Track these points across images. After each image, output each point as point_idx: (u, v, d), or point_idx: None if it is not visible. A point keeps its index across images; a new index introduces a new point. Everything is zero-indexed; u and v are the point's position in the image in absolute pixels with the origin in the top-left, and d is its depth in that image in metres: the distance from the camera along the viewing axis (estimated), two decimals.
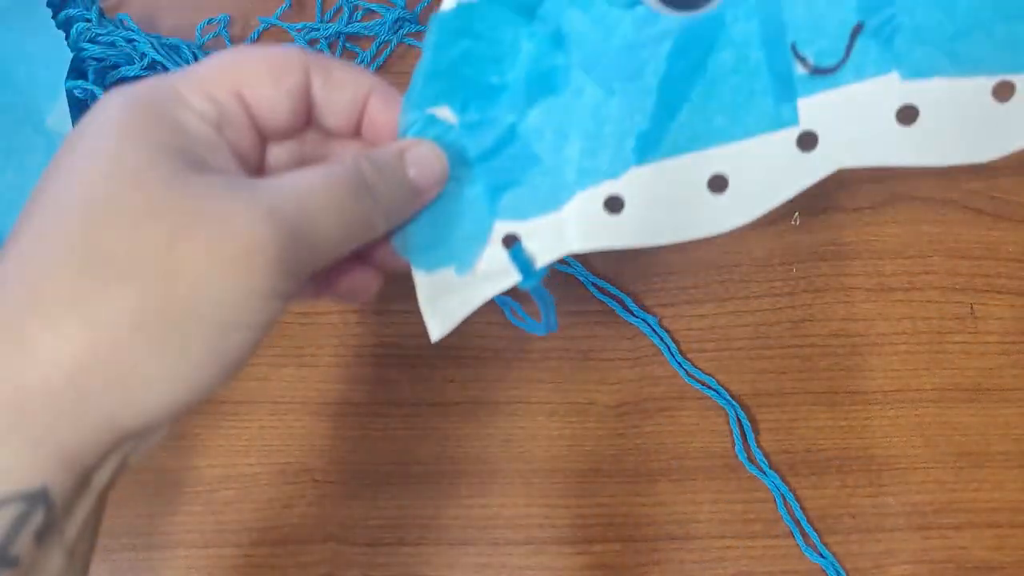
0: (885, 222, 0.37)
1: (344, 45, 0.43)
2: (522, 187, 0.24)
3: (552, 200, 0.24)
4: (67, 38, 0.37)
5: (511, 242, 0.24)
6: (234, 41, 0.43)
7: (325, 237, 0.21)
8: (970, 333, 0.35)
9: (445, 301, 0.25)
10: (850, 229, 0.37)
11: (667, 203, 0.24)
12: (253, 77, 0.22)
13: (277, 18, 0.44)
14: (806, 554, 0.32)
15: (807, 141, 0.23)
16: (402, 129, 0.24)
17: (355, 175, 0.21)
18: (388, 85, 0.24)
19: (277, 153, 0.24)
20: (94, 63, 0.38)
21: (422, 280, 0.25)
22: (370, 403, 0.34)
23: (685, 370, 0.34)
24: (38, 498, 0.17)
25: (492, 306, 0.35)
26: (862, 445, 0.33)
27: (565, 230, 0.24)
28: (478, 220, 0.24)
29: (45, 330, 0.17)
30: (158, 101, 0.20)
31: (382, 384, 0.35)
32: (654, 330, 0.35)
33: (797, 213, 0.37)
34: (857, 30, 0.22)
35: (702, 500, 0.33)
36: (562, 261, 0.33)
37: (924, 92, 0.23)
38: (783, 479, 0.33)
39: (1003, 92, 0.22)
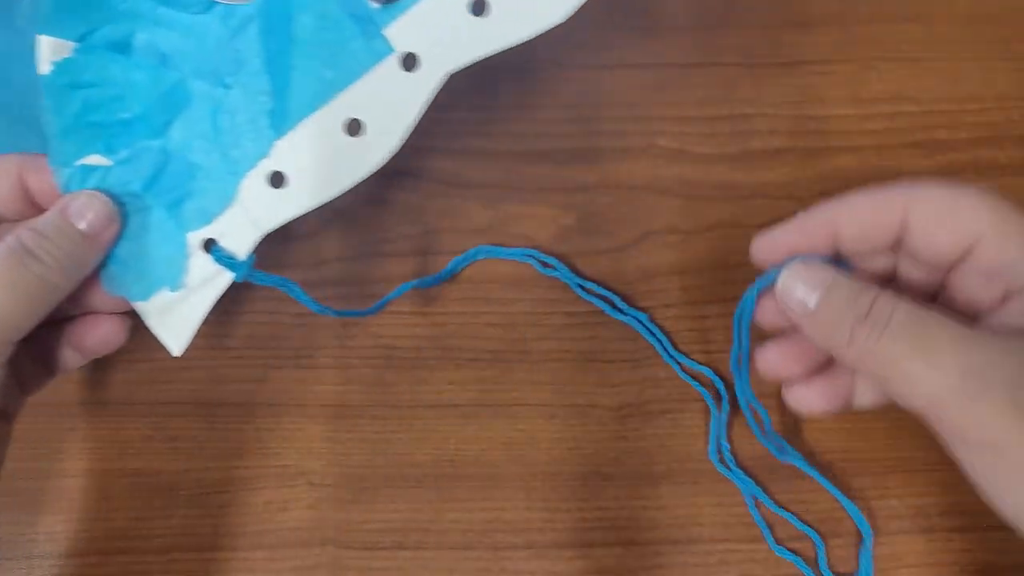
0: None
1: None
2: (194, 196, 0.27)
3: (224, 196, 0.26)
4: None
5: (210, 245, 0.27)
6: None
7: (1, 310, 0.23)
8: None
9: (173, 318, 0.27)
10: None
11: (320, 160, 0.26)
12: None
13: None
14: (777, 553, 0.31)
15: (408, 61, 0.25)
16: (62, 187, 0.26)
17: (14, 248, 0.23)
18: (34, 156, 0.26)
19: None
20: None
21: (143, 308, 0.27)
22: (368, 405, 0.34)
23: (679, 363, 0.34)
24: None
25: (492, 307, 0.35)
26: (866, 447, 0.33)
27: (250, 216, 0.26)
28: (170, 239, 0.27)
29: None
30: None
31: (380, 386, 0.34)
32: (645, 326, 0.34)
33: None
34: None
35: (704, 503, 0.32)
36: (546, 264, 0.35)
37: None
38: (785, 483, 0.32)
39: None
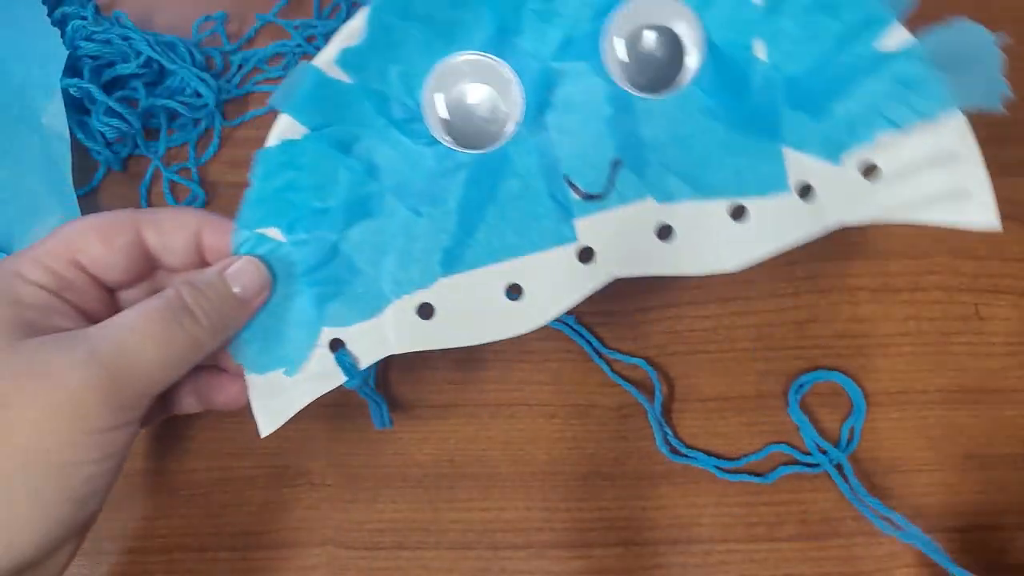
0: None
1: None
2: (345, 297, 0.28)
3: (372, 308, 0.28)
4: (63, 36, 0.37)
5: (337, 346, 0.28)
6: (231, 38, 0.43)
7: (147, 364, 0.23)
8: (975, 334, 0.35)
9: (275, 401, 0.28)
10: (854, 229, 0.37)
11: (471, 309, 0.28)
12: (85, 244, 0.25)
13: (275, 15, 0.43)
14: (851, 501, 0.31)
15: (585, 255, 0.28)
16: (235, 247, 0.27)
17: (173, 302, 0.24)
18: (217, 216, 0.27)
19: (131, 296, 0.27)
20: (90, 61, 0.38)
21: (254, 382, 0.28)
22: (368, 405, 0.34)
23: (609, 363, 0.34)
24: None
25: None
26: (866, 447, 0.33)
27: (385, 334, 0.28)
28: (306, 327, 0.28)
29: None
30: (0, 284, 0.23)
31: (381, 386, 0.34)
32: (572, 328, 0.34)
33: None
34: (616, 164, 0.27)
35: (704, 503, 0.32)
36: None
37: (675, 213, 0.27)
38: (785, 483, 0.32)
39: (737, 213, 0.27)
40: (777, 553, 0.32)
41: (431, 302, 0.28)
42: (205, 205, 0.38)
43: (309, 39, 0.42)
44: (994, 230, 0.28)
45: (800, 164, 0.27)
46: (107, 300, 0.26)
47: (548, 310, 0.28)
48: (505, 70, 0.26)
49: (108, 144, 0.39)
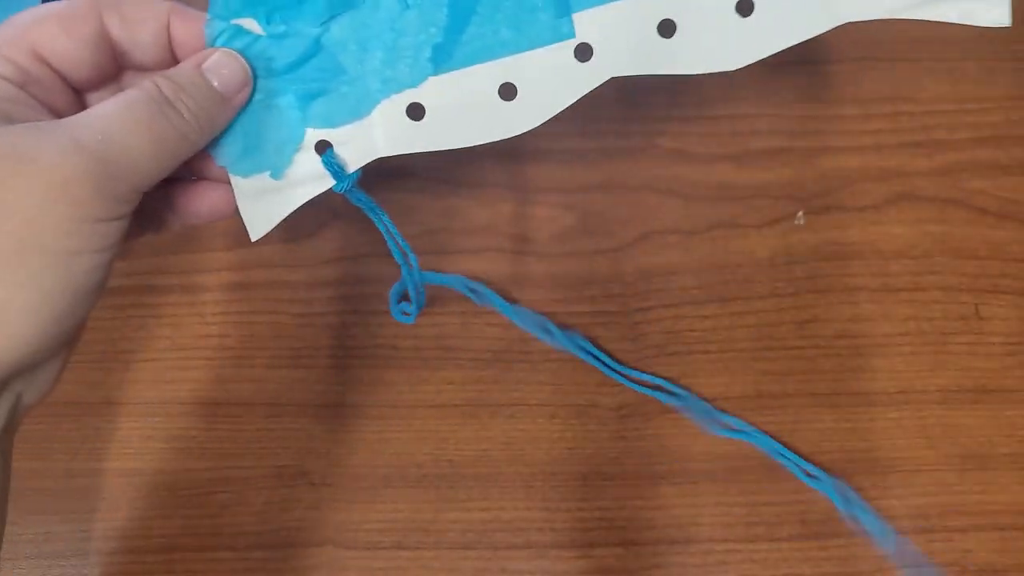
0: (889, 222, 0.37)
1: None
2: (330, 96, 0.26)
3: (359, 108, 0.27)
4: None
5: (323, 148, 0.27)
6: None
7: (137, 156, 0.22)
8: (975, 334, 0.35)
9: (263, 204, 0.27)
10: (854, 229, 0.37)
11: (463, 109, 0.26)
12: (46, 34, 0.23)
13: None
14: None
15: (583, 52, 0.26)
16: (209, 40, 0.25)
17: (153, 94, 0.23)
18: (184, 5, 0.25)
19: (99, 99, 0.25)
20: None
21: (239, 184, 0.27)
22: (368, 405, 0.34)
23: (626, 377, 0.34)
24: None
25: (491, 308, 0.35)
26: (866, 447, 0.33)
27: (373, 136, 0.27)
28: (290, 128, 0.26)
29: None
30: None
31: (380, 386, 0.34)
32: (583, 347, 0.34)
33: (801, 212, 0.37)
34: None
35: (704, 504, 0.32)
36: (472, 290, 0.35)
37: (679, 6, 0.26)
38: (785, 483, 0.32)
39: (744, 7, 0.25)
40: (777, 553, 0.32)
41: (421, 102, 0.27)
42: None
43: None
44: (1003, 25, 0.27)
45: None
46: (74, 100, 0.25)
47: (544, 110, 0.27)
48: None
49: None
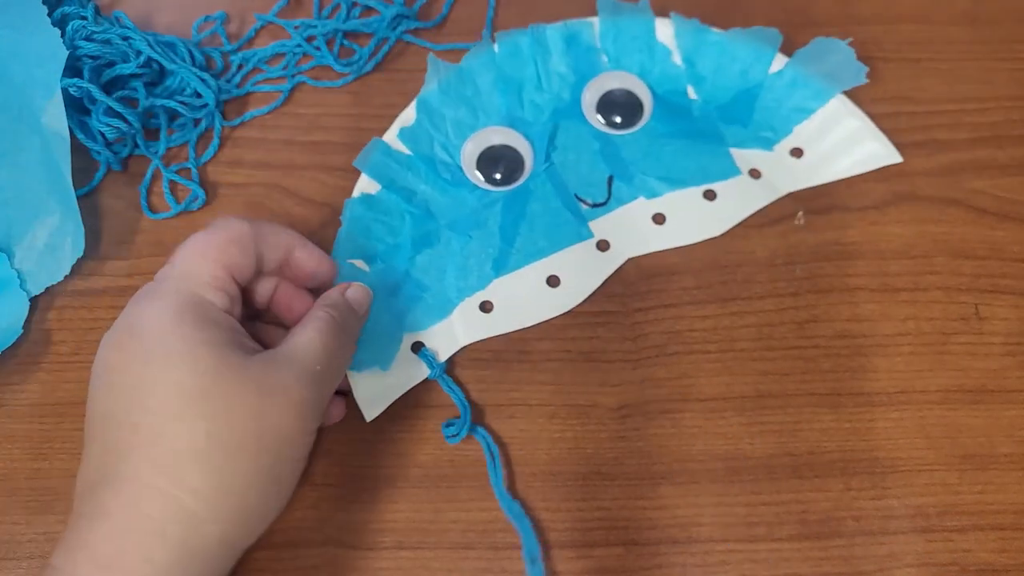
0: (889, 222, 0.37)
1: (341, 42, 0.42)
2: (419, 308, 0.35)
3: (441, 312, 0.35)
4: (63, 36, 0.37)
5: (418, 347, 0.35)
6: (231, 39, 0.43)
7: (333, 376, 0.30)
8: (975, 334, 0.35)
9: (374, 392, 0.34)
10: (854, 229, 0.37)
11: (522, 299, 0.35)
12: (236, 258, 0.29)
13: (274, 15, 0.43)
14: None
15: (603, 245, 0.37)
16: (337, 276, 0.34)
17: (336, 321, 0.30)
18: (305, 239, 0.32)
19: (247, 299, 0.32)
20: (90, 61, 0.38)
21: (355, 377, 0.34)
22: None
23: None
24: None
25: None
26: (866, 447, 0.33)
27: (455, 331, 0.35)
28: (392, 334, 0.34)
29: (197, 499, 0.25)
30: (196, 307, 0.27)
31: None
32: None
33: (801, 212, 0.37)
34: (610, 178, 0.38)
35: (704, 503, 0.32)
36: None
37: (662, 203, 0.37)
38: (786, 483, 0.32)
39: (709, 195, 0.37)
40: (777, 553, 0.32)
41: (489, 299, 0.35)
42: (205, 205, 0.38)
43: (309, 39, 0.42)
44: (896, 161, 0.38)
45: (746, 157, 0.38)
46: (240, 301, 0.30)
47: (582, 290, 0.36)
48: (516, 134, 0.38)
49: (108, 144, 0.39)
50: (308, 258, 0.32)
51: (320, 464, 0.33)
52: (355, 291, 0.32)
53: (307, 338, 0.29)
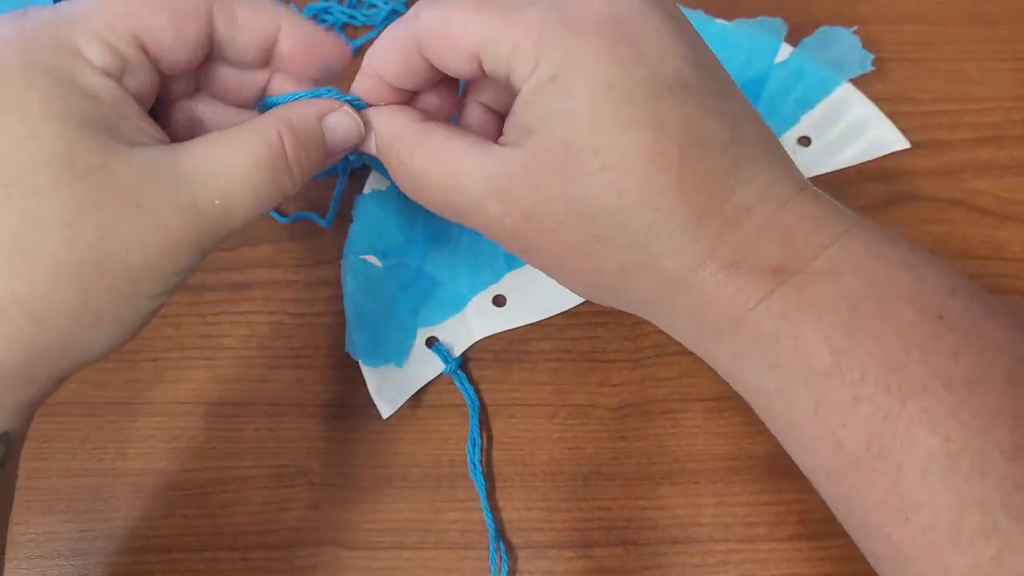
0: (890, 222, 0.37)
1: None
2: (433, 303, 0.35)
3: (455, 307, 0.35)
4: None
5: (432, 342, 0.34)
6: None
7: (242, 220, 0.23)
8: None
9: (389, 387, 0.33)
10: None
11: (535, 292, 0.35)
12: (155, 26, 0.22)
13: None
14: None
15: None
16: (344, 270, 0.34)
17: (277, 152, 0.23)
18: (298, 17, 0.24)
19: (175, 85, 0.25)
20: None
21: (370, 374, 0.34)
22: (368, 405, 0.34)
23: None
24: (1, 439, 0.22)
25: None
26: None
27: (469, 325, 0.35)
28: (406, 330, 0.34)
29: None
30: (59, 64, 0.20)
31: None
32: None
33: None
34: None
35: (705, 503, 0.32)
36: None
37: None
38: (786, 483, 0.32)
39: None
40: (777, 553, 0.32)
41: (503, 293, 0.35)
42: None
43: None
44: (904, 147, 0.38)
45: None
46: (156, 87, 0.24)
47: None
48: None
49: None
50: (298, 43, 0.24)
51: (318, 463, 0.33)
52: (339, 121, 0.25)
53: (225, 162, 0.22)
